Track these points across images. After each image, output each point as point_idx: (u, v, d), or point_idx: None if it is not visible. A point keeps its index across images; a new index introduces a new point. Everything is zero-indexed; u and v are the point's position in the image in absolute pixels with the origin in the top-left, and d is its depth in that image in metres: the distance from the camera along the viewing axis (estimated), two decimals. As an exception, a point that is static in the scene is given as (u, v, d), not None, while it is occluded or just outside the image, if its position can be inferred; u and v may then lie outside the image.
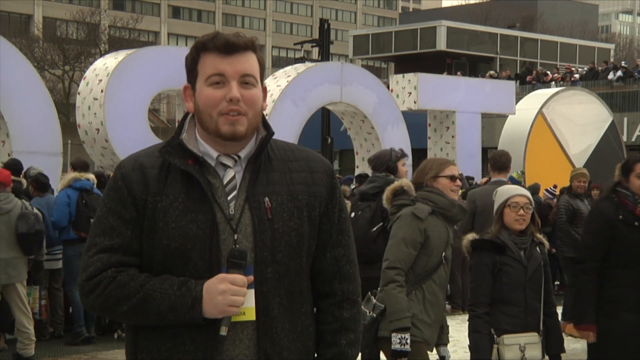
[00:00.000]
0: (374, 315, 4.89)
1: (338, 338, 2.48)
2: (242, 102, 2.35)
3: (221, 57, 2.36)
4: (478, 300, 5.04)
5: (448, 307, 11.57)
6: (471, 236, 5.19)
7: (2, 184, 8.03)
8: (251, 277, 2.31)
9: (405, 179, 5.28)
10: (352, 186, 10.84)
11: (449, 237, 5.05)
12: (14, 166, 9.26)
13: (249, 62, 2.38)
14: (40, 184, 9.51)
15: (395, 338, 4.74)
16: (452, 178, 5.09)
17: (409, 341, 4.75)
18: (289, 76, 15.19)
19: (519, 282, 5.03)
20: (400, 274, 4.84)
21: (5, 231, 7.93)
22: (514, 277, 5.02)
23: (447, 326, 5.32)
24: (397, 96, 17.30)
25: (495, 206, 5.18)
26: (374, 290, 5.05)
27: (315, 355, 2.49)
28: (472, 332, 5.05)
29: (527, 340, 5.02)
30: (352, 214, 6.76)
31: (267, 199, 2.37)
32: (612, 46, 53.02)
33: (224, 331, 2.28)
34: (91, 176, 9.66)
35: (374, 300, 4.95)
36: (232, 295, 2.26)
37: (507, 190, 5.26)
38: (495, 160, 8.42)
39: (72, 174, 9.50)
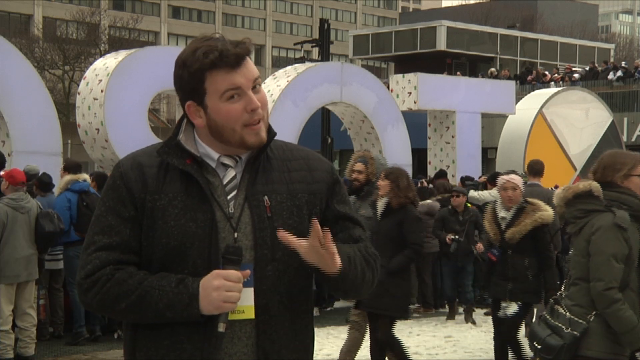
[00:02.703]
0: (577, 333, 4.47)
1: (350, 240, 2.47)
2: (259, 108, 2.37)
3: (234, 72, 2.34)
4: None
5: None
6: None
7: (21, 183, 8.19)
8: (247, 272, 2.30)
9: (594, 182, 4.64)
10: None
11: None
12: None
13: (252, 66, 2.40)
14: (43, 183, 9.55)
15: None
16: None
17: None
18: (289, 76, 15.20)
19: None
20: (618, 291, 4.42)
21: (26, 229, 8.14)
22: None
23: None
24: (397, 96, 17.30)
25: None
26: (556, 298, 4.71)
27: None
28: None
29: None
30: None
31: (266, 197, 2.38)
32: (612, 46, 52.99)
33: (221, 328, 2.28)
34: (86, 176, 9.68)
35: (568, 314, 4.55)
36: (226, 291, 2.26)
37: None
38: (531, 167, 9.85)
39: (68, 177, 9.48)
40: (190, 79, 2.35)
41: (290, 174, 2.44)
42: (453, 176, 16.62)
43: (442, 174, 14.66)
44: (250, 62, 2.38)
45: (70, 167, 9.83)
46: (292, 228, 2.37)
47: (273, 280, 2.36)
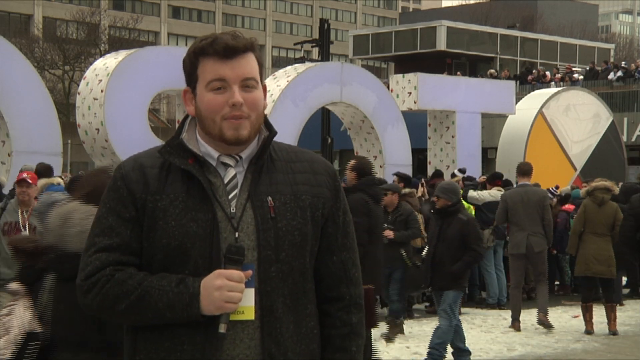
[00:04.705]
0: None
1: (348, 344, 2.47)
2: (245, 106, 2.34)
3: (221, 62, 2.34)
4: None
5: None
6: None
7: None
8: (249, 273, 2.28)
9: None
10: None
11: None
12: None
13: (249, 65, 2.37)
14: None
15: None
16: None
17: None
18: (289, 76, 15.20)
19: None
20: None
21: None
22: None
23: None
24: (397, 96, 17.30)
25: None
26: None
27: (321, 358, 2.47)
28: None
29: None
30: None
31: (270, 198, 2.36)
32: (612, 46, 52.97)
33: (222, 329, 2.25)
34: (59, 180, 9.45)
35: None
36: (228, 291, 2.24)
37: None
38: (519, 168, 10.78)
39: (43, 181, 9.17)
40: (189, 62, 2.39)
41: (294, 175, 2.43)
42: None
43: (438, 174, 14.65)
44: (248, 60, 2.36)
45: (43, 171, 9.59)
46: (295, 229, 2.36)
47: (277, 281, 2.34)
